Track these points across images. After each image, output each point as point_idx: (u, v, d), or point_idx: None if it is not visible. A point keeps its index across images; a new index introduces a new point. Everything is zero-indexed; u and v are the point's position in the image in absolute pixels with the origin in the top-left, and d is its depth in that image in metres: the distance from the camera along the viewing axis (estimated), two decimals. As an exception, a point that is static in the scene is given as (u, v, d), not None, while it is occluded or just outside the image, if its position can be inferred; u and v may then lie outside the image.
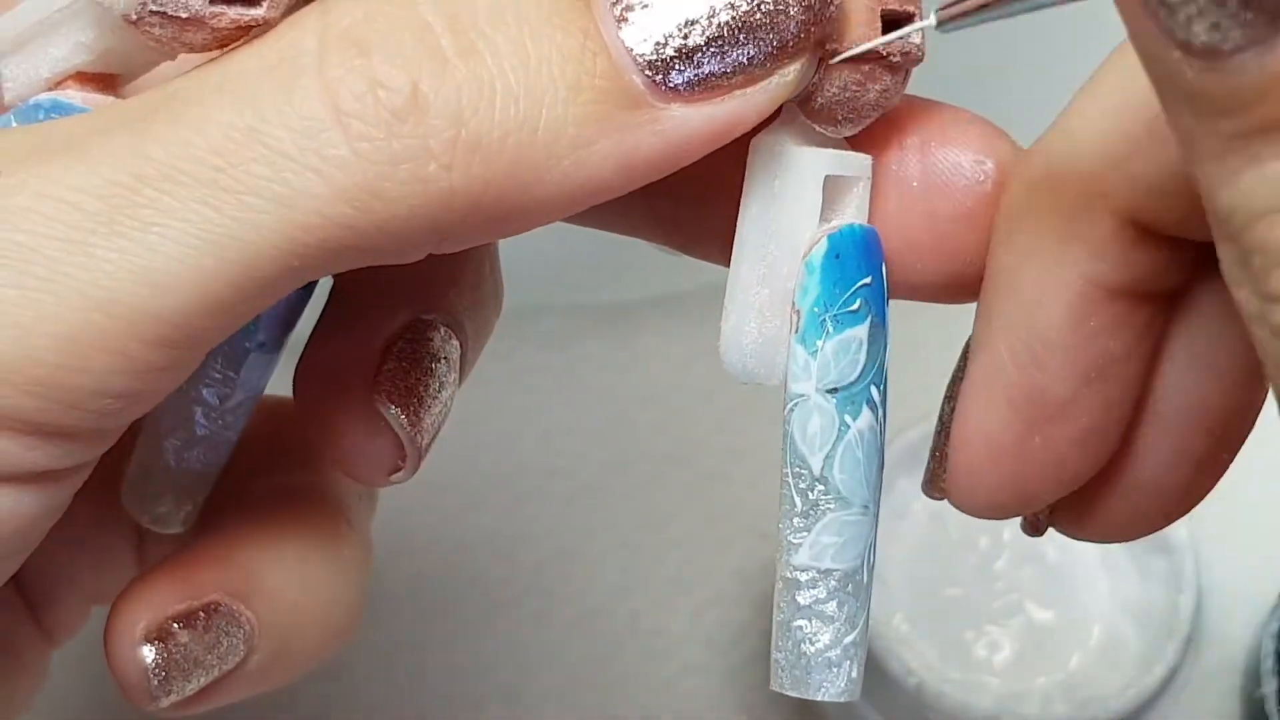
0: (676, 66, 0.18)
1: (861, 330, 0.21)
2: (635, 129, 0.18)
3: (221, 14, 0.19)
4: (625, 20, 0.18)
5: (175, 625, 0.24)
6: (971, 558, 0.41)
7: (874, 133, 0.21)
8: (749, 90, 0.19)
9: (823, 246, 0.21)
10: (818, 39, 0.19)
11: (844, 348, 0.21)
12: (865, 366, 0.21)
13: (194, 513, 0.26)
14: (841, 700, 0.22)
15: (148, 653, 0.23)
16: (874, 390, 0.21)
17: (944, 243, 0.21)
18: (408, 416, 0.23)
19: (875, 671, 0.38)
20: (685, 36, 0.18)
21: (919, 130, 0.21)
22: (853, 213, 0.21)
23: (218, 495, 0.27)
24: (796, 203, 0.21)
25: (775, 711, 0.43)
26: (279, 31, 0.18)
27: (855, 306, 0.21)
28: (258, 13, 0.19)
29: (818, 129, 0.20)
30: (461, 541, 0.45)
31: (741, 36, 0.19)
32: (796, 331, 0.21)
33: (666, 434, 0.46)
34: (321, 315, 0.25)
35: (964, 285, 0.21)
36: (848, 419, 0.21)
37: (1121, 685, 0.38)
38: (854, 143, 0.21)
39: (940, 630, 0.40)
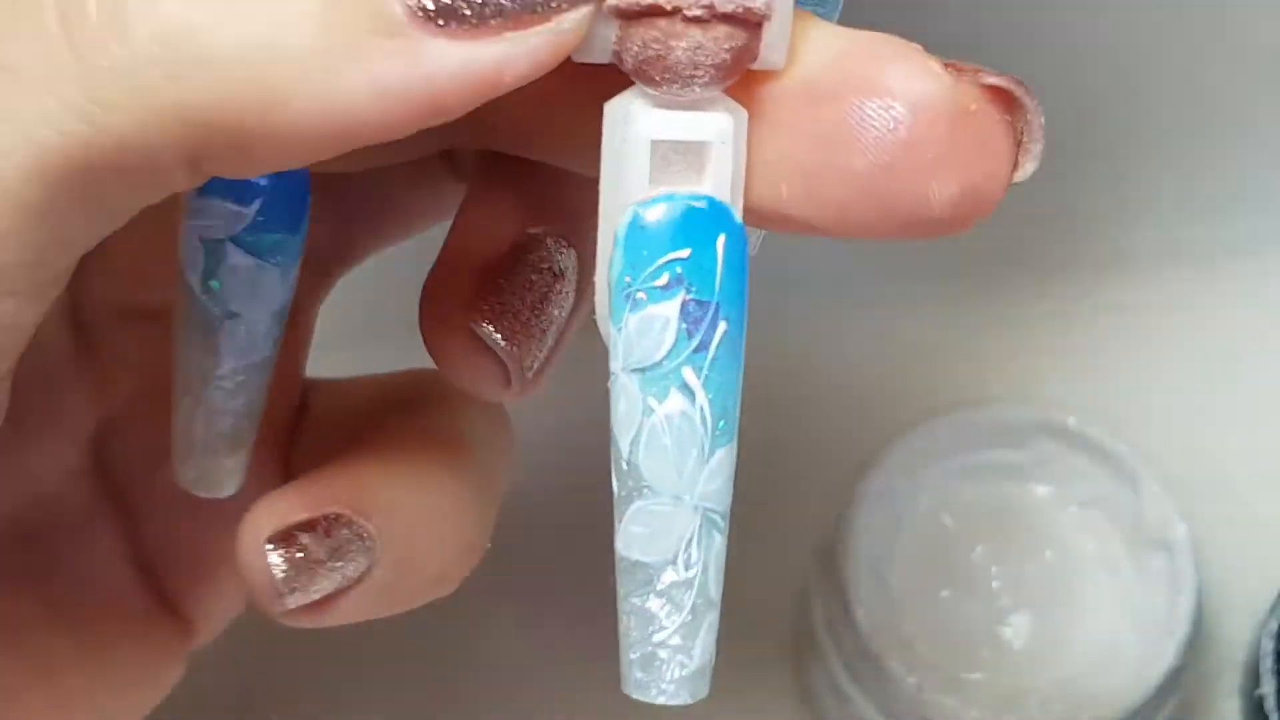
0: (442, 2, 0.18)
1: (669, 308, 0.19)
2: (389, 58, 0.18)
3: None
4: None
5: (299, 532, 0.25)
6: (971, 558, 0.41)
7: (762, 86, 0.20)
8: (518, 34, 0.18)
9: (628, 216, 0.19)
10: None
11: (647, 325, 0.19)
12: (674, 347, 0.19)
13: (236, 473, 0.27)
14: (660, 703, 0.20)
15: (274, 555, 0.25)
16: (688, 373, 0.19)
17: (869, 199, 0.20)
18: (504, 334, 0.23)
19: (875, 671, 0.38)
20: None
21: (809, 77, 0.20)
22: (710, 180, 0.19)
23: (339, 433, 0.28)
24: (627, 170, 0.19)
25: (775, 711, 0.43)
26: None
27: (662, 281, 0.19)
28: None
29: (661, 91, 0.19)
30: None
31: None
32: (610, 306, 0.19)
33: (667, 434, 0.46)
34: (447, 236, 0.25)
35: (914, 226, 0.20)
36: (651, 402, 0.19)
37: (1121, 685, 0.38)
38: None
39: (940, 630, 0.40)
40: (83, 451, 0.29)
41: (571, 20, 0.18)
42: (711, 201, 0.19)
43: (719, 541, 0.21)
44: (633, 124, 0.19)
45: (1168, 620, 0.39)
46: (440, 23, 0.18)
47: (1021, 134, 0.21)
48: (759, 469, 0.46)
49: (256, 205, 0.24)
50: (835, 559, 0.39)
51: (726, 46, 0.19)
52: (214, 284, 0.25)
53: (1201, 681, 0.41)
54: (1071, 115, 0.49)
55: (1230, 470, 0.45)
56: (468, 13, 0.18)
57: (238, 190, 0.24)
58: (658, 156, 0.19)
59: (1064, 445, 0.41)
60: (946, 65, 0.20)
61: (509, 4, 0.18)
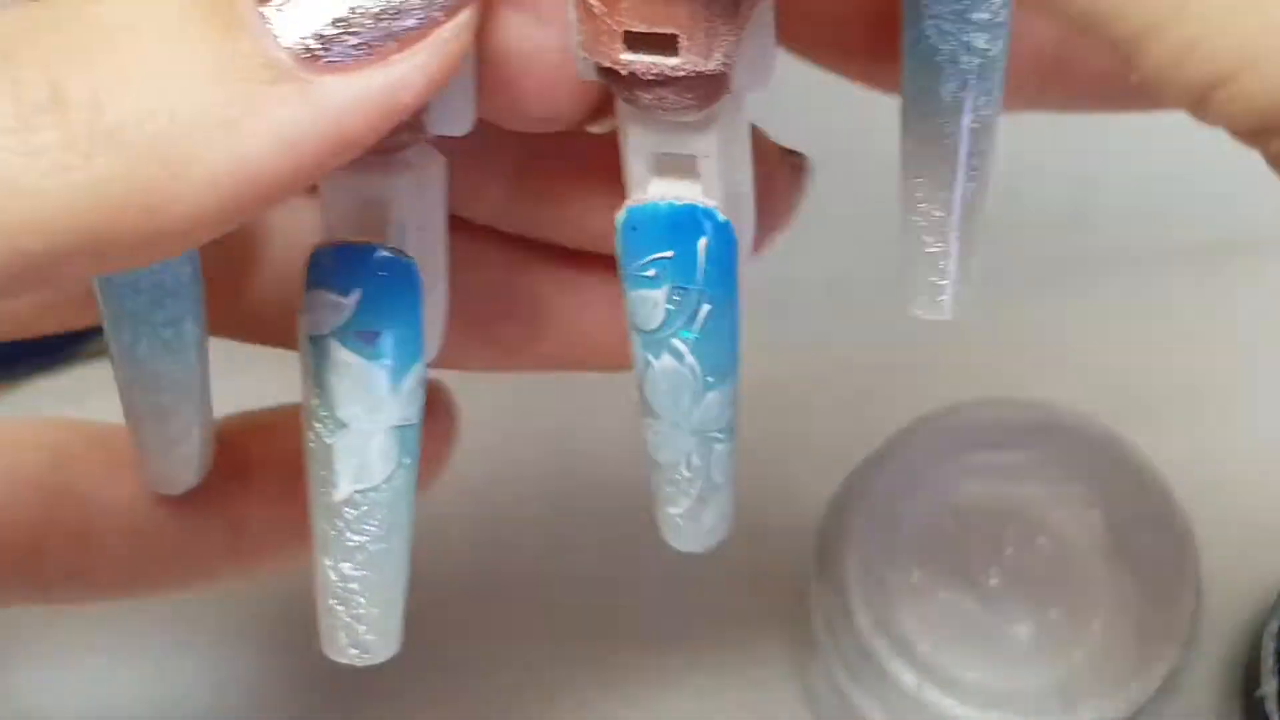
0: (322, 38, 0.19)
1: (658, 293, 0.22)
2: (285, 104, 0.18)
3: None
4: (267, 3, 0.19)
5: None
6: (971, 557, 0.41)
7: None
8: (404, 54, 0.19)
9: (622, 215, 0.23)
10: None
11: (641, 301, 0.23)
12: (665, 322, 0.23)
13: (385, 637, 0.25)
14: (681, 548, 0.27)
15: None
16: (676, 343, 0.23)
17: None
18: None
19: (875, 671, 0.38)
20: (330, 14, 0.19)
21: None
22: (700, 185, 0.22)
23: None
24: (632, 169, 0.22)
25: (775, 711, 0.43)
26: None
27: (650, 274, 0.22)
28: None
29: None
30: (461, 541, 0.45)
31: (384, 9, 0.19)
32: None
33: (666, 433, 0.46)
34: None
35: None
36: (650, 358, 0.23)
37: (1120, 685, 0.38)
38: None
39: (940, 630, 0.40)
40: None
41: (451, 30, 0.19)
42: (695, 208, 0.22)
43: (720, 447, 0.24)
44: (631, 135, 0.22)
45: (1168, 620, 0.39)
46: (327, 59, 0.19)
47: None
48: (759, 469, 0.46)
49: (357, 295, 0.22)
50: (835, 559, 0.39)
51: (688, 96, 0.21)
52: (323, 388, 0.23)
53: (1201, 681, 0.41)
54: (1072, 114, 0.49)
55: (1230, 470, 0.45)
56: (351, 44, 0.19)
57: (338, 279, 0.23)
58: (655, 162, 0.22)
59: (1064, 445, 0.41)
60: None
61: (388, 28, 0.19)
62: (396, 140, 0.21)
